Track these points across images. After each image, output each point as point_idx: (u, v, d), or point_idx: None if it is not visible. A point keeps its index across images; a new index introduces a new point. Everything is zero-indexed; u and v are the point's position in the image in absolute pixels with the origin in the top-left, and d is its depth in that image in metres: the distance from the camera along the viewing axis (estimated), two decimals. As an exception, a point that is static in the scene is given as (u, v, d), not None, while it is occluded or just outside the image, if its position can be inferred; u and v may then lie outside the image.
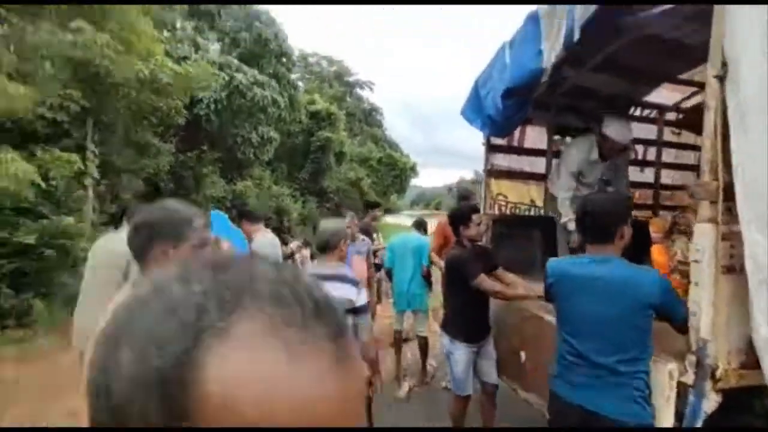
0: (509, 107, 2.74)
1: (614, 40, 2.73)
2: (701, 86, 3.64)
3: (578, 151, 3.10)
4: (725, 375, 1.42)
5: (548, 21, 2.37)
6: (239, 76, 9.94)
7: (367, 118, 30.95)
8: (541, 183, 3.75)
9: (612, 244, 1.56)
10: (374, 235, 5.24)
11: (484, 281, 2.29)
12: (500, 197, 3.57)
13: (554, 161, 3.51)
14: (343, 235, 2.14)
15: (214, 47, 11.37)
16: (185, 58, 8.55)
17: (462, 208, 2.70)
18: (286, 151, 16.26)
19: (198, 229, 1.15)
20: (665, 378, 1.50)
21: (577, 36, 2.10)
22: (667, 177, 4.20)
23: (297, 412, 0.22)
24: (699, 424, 1.45)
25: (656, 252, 3.10)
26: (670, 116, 4.10)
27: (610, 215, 1.57)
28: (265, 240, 3.44)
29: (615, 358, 1.48)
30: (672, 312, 1.49)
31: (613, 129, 2.86)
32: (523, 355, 2.43)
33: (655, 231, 3.27)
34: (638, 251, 2.59)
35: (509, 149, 3.63)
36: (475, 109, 3.27)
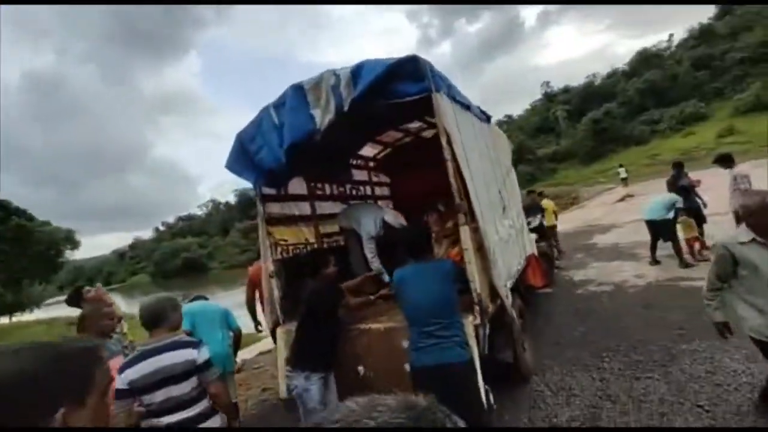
0: (289, 161, 3.14)
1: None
2: (386, 144, 5.57)
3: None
4: (489, 310, 2.44)
5: (315, 93, 2.97)
6: None
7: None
8: (310, 223, 4.33)
9: (425, 254, 2.35)
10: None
11: (351, 300, 2.72)
12: (282, 242, 3.81)
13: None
14: (169, 305, 2.03)
15: None
16: None
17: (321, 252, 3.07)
18: None
19: None
20: (470, 326, 2.37)
21: (346, 108, 2.81)
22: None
23: None
24: (486, 345, 2.40)
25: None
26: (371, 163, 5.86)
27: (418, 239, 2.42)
28: None
29: (443, 323, 2.18)
30: (462, 280, 2.39)
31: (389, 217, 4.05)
32: (361, 369, 2.80)
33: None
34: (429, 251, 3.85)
35: (279, 197, 3.95)
36: (243, 162, 3.43)
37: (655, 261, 6.34)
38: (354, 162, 5.39)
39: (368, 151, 5.54)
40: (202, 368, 1.89)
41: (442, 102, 2.51)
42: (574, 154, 49.24)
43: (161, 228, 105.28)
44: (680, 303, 4.49)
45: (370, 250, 3.97)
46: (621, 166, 25.48)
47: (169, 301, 2.03)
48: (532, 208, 7.04)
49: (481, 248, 2.53)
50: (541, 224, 7.15)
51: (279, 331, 3.28)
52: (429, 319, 2.18)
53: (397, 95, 2.59)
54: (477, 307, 2.41)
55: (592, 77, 63.48)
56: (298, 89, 3.06)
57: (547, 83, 68.82)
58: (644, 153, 38.93)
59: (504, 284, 2.78)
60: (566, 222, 14.33)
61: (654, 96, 49.27)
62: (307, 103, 3.03)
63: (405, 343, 2.52)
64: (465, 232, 2.46)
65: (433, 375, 2.10)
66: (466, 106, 3.15)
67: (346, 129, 4.05)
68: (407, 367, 2.46)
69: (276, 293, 3.41)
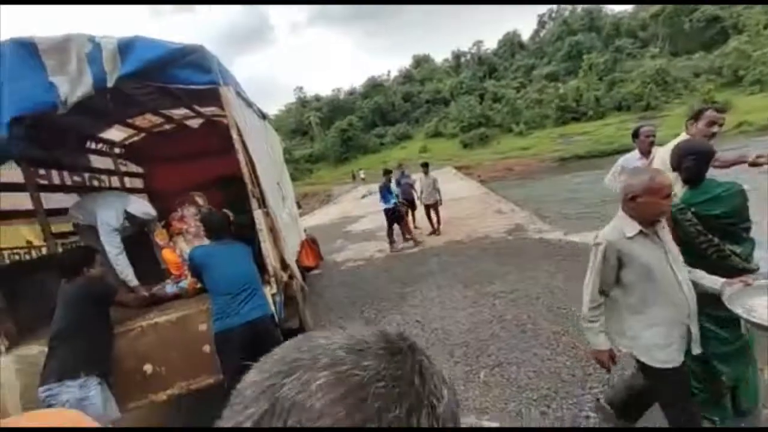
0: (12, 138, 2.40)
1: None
2: (140, 129, 4.83)
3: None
4: (283, 280, 2.87)
5: (58, 57, 2.41)
6: None
7: None
8: (33, 220, 3.29)
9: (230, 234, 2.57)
10: None
11: (124, 294, 2.53)
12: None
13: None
14: None
15: None
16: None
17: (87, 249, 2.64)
18: None
19: None
20: (268, 296, 2.70)
21: (111, 84, 2.45)
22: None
23: None
24: (282, 310, 2.82)
25: (167, 254, 4.03)
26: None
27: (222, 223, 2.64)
28: None
29: (250, 290, 2.48)
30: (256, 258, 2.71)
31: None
32: (148, 367, 2.59)
33: (161, 239, 4.14)
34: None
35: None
36: None
37: (391, 240, 8.44)
38: (93, 146, 4.42)
39: (115, 135, 4.65)
40: None
41: (230, 95, 2.67)
42: (326, 157, 56.14)
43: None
44: (404, 264, 6.41)
45: (113, 245, 3.24)
46: (361, 169, 31.65)
47: None
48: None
49: (272, 229, 2.89)
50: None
51: (5, 359, 2.46)
52: (239, 288, 2.44)
53: (178, 81, 2.54)
54: (273, 279, 2.76)
55: (337, 91, 73.65)
56: (23, 46, 2.39)
57: (300, 88, 74.45)
58: (377, 159, 49.11)
59: (292, 261, 3.25)
60: (326, 215, 16.41)
61: (381, 116, 63.00)
62: (42, 66, 2.42)
63: (203, 327, 2.56)
64: (259, 216, 2.75)
65: (242, 333, 2.33)
66: (249, 103, 3.38)
67: (84, 106, 3.39)
68: (207, 348, 2.53)
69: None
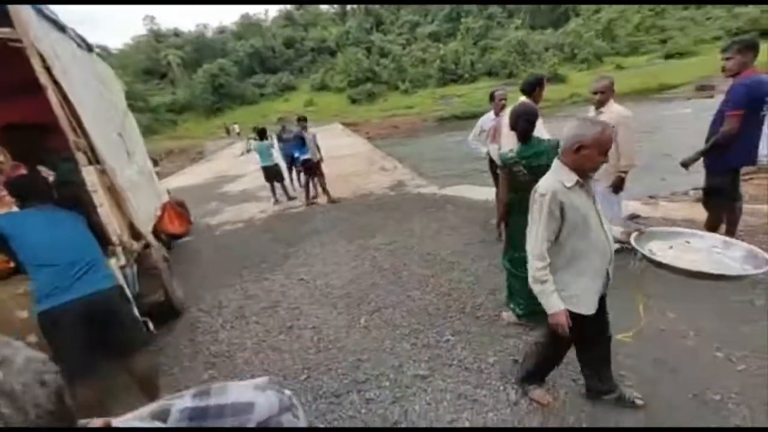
0: None
1: None
2: None
3: None
4: (134, 249, 2.47)
5: None
6: None
7: None
8: None
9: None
10: None
11: None
12: None
13: None
14: None
15: None
16: None
17: None
18: None
19: None
20: (116, 269, 2.29)
21: None
22: None
23: None
24: (136, 283, 2.46)
25: None
26: None
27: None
28: None
29: (86, 261, 2.05)
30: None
31: None
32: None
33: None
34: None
35: None
36: None
37: (275, 200, 7.99)
38: None
39: None
40: None
41: (24, 13, 1.98)
42: (194, 107, 48.61)
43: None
44: (288, 225, 6.21)
45: None
46: (235, 123, 28.90)
47: None
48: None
49: (111, 189, 2.40)
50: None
51: None
52: (68, 258, 2.01)
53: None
54: (119, 249, 2.35)
55: (203, 27, 63.01)
56: None
57: (152, 18, 61.33)
58: (256, 112, 44.91)
59: (146, 227, 2.80)
60: (198, 174, 14.60)
61: (260, 62, 56.49)
62: None
63: (22, 314, 2.06)
64: (90, 173, 2.23)
65: (76, 310, 1.94)
66: (61, 27, 2.58)
67: None
68: (32, 339, 2.07)
69: None
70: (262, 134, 7.85)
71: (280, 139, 8.64)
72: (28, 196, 2.10)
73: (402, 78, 48.67)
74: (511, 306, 2.77)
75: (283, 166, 8.24)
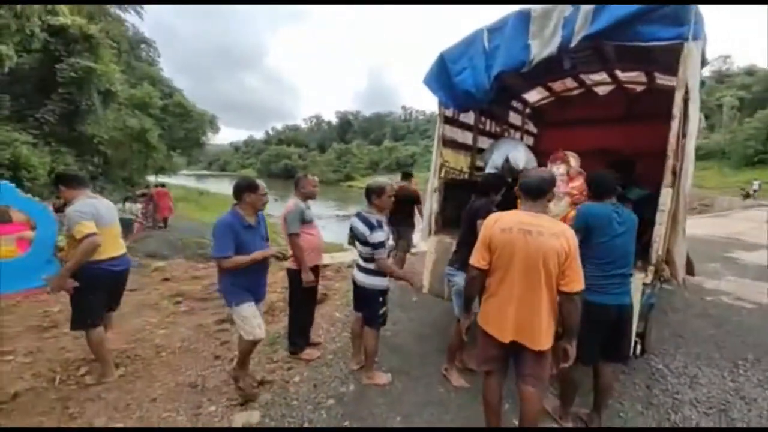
0: (493, 87, 3.25)
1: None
2: (553, 93, 5.31)
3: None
4: (662, 272, 2.50)
5: (540, 21, 2.92)
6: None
7: (134, 51, 24.63)
8: (468, 153, 4.57)
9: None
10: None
11: None
12: (446, 163, 4.13)
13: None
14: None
15: None
16: None
17: (496, 177, 3.31)
18: (9, 78, 11.30)
19: None
20: (639, 281, 2.49)
21: (574, 44, 2.75)
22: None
23: None
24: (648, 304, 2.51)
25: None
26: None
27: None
28: (87, 202, 2.97)
29: (626, 270, 2.30)
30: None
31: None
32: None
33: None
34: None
35: (452, 121, 4.18)
36: (441, 81, 3.57)
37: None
38: (514, 104, 5.31)
39: (532, 96, 5.35)
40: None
41: (694, 53, 2.34)
42: (726, 154, 40.17)
43: (270, 132, 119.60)
44: None
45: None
46: (756, 179, 20.95)
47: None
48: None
49: (675, 213, 2.52)
50: None
51: (431, 238, 3.74)
52: (619, 263, 2.23)
53: (640, 38, 2.46)
54: (652, 267, 2.49)
55: None
56: (522, 16, 2.99)
57: (726, 58, 54.70)
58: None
59: (682, 257, 2.72)
60: (701, 227, 12.51)
61: None
62: (527, 31, 2.99)
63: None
64: (667, 194, 2.45)
65: (609, 312, 2.23)
66: (704, 59, 2.83)
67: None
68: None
69: (435, 207, 3.82)
70: None
71: None
72: (605, 191, 2.38)
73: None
74: None
75: None
